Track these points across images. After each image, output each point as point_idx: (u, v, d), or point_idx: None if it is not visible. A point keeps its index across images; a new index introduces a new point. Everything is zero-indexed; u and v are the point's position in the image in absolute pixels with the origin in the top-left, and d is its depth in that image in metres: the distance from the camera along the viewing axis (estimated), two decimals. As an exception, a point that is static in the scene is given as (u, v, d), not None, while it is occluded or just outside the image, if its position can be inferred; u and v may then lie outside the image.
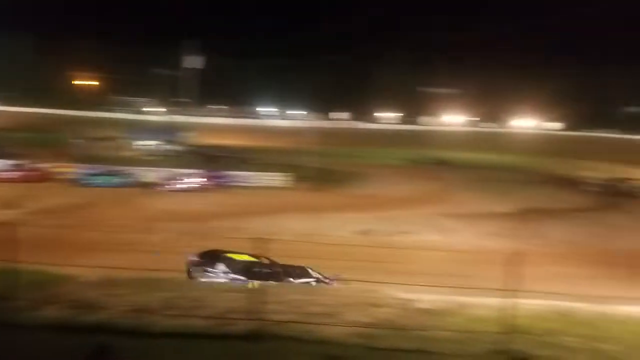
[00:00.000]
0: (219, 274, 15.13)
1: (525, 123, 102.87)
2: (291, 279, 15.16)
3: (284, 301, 10.06)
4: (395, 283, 11.18)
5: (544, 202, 36.13)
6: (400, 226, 27.63)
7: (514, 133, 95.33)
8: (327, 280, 16.00)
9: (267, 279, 13.62)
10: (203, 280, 14.63)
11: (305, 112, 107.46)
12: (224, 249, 16.34)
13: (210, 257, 15.95)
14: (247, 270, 15.00)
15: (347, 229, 26.33)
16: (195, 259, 15.91)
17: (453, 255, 19.54)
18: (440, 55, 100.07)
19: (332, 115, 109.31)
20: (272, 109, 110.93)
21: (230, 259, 15.79)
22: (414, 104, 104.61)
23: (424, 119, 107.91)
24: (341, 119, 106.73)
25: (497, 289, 9.14)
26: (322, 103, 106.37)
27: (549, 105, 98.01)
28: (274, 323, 8.96)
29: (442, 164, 57.07)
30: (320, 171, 42.74)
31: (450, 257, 19.09)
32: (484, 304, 10.36)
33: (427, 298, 11.00)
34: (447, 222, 29.27)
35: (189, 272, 15.35)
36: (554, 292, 10.74)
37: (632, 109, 51.94)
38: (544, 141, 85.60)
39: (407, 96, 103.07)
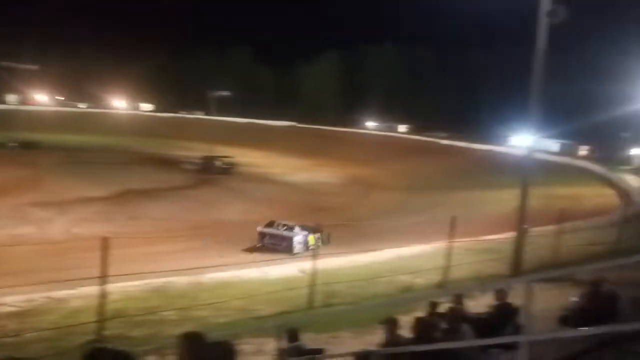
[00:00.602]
0: None
1: (119, 104, 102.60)
2: None
3: None
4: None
5: (141, 183, 36.62)
6: (-19, 221, 23.86)
7: (107, 114, 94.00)
8: None
9: None
10: None
11: None
12: None
13: None
14: None
15: None
16: None
17: (46, 247, 18.05)
18: (23, 29, 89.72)
19: None
20: None
21: None
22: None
23: (4, 96, 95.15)
24: None
25: (92, 277, 8.87)
26: None
27: (141, 87, 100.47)
28: None
29: (30, 147, 51.91)
30: None
31: (43, 250, 17.57)
32: (81, 294, 9.91)
33: (15, 299, 9.82)
34: (39, 212, 26.69)
35: None
36: (148, 271, 11.07)
37: (219, 93, 59.27)
38: (138, 122, 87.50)
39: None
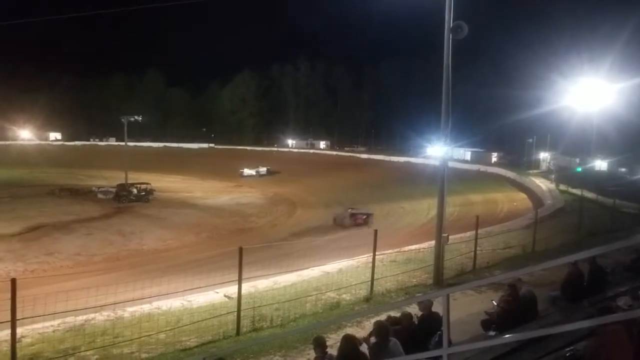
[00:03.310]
0: None
1: (24, 135, 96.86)
2: None
3: None
4: None
5: (55, 217, 34.85)
6: None
7: (11, 146, 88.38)
8: None
9: None
10: None
11: None
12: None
13: None
14: None
15: None
16: None
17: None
18: None
19: None
20: None
21: None
22: None
23: None
24: None
25: (1, 322, 8.24)
26: None
27: (48, 117, 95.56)
28: None
29: None
30: None
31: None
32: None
33: None
34: (-63, 256, 24.57)
35: None
36: (63, 310, 10.41)
37: (131, 118, 57.44)
38: (47, 153, 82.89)
39: None
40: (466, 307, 9.60)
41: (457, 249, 15.53)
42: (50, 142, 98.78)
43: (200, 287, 13.05)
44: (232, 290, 11.26)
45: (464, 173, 53.85)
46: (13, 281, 7.82)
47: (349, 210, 34.94)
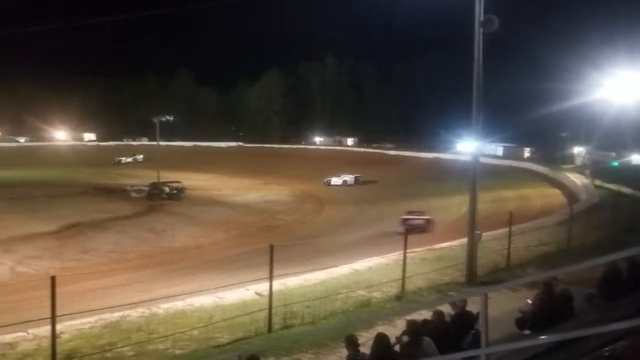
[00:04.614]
0: None
1: (60, 136, 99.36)
2: None
3: None
4: None
5: (90, 215, 35.59)
6: None
7: (49, 147, 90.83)
8: None
9: None
10: None
11: None
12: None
13: None
14: None
15: None
16: None
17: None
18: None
19: None
20: None
21: None
22: None
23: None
24: None
25: (42, 318, 8.48)
26: None
27: (83, 117, 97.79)
28: None
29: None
30: None
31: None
32: (31, 336, 9.40)
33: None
34: (-19, 253, 25.39)
35: None
36: (100, 307, 10.65)
37: (162, 118, 58.81)
38: (82, 153, 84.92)
39: None
40: (500, 305, 9.44)
41: (489, 247, 15.31)
42: (85, 143, 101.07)
43: (231, 285, 13.18)
44: (263, 287, 11.35)
45: (496, 169, 53.03)
46: (53, 279, 8.00)
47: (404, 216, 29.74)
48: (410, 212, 30.36)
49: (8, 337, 9.73)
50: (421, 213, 30.49)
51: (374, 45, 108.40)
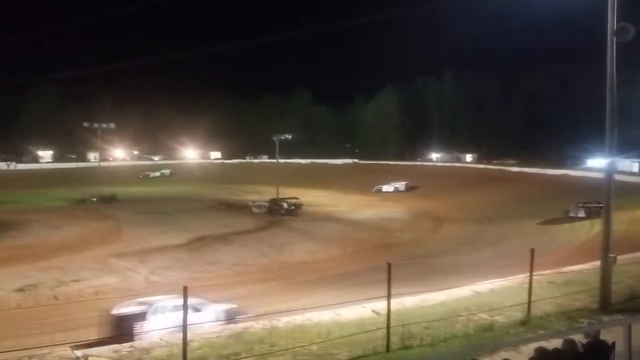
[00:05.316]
0: None
1: (190, 154, 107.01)
2: None
3: None
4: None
5: (215, 229, 37.86)
6: (70, 274, 25.00)
7: (179, 164, 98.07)
8: None
9: None
10: None
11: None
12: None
13: None
14: None
15: (5, 287, 22.37)
16: None
17: (128, 297, 18.71)
18: (96, 89, 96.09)
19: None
20: None
21: None
22: (70, 141, 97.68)
23: (83, 155, 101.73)
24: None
25: (173, 327, 9.10)
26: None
27: (209, 137, 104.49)
28: None
29: (110, 201, 54.91)
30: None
31: (125, 300, 18.21)
32: (166, 343, 10.13)
33: (102, 350, 10.15)
34: (120, 262, 27.89)
35: None
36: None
37: (281, 136, 61.97)
38: (208, 170, 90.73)
39: (63, 132, 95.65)
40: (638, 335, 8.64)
41: (625, 271, 14.03)
42: (211, 161, 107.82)
43: (348, 302, 13.26)
44: (380, 305, 11.29)
45: (632, 187, 48.51)
46: (185, 289, 8.57)
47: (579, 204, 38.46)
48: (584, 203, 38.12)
49: (144, 343, 10.57)
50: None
51: (494, 58, 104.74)
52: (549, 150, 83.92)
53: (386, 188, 67.09)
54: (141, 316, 13.96)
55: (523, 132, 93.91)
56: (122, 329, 13.18)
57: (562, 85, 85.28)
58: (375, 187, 67.78)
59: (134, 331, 13.00)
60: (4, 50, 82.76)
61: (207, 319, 13.32)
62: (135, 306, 14.55)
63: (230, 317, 14.33)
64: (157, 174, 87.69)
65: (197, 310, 13.88)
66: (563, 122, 78.49)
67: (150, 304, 14.51)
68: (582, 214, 37.73)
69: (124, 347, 10.27)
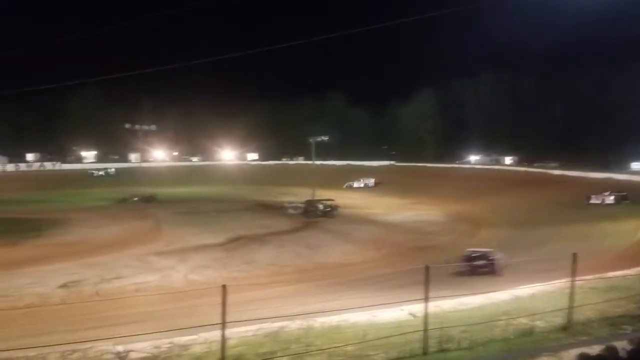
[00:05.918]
0: None
1: (228, 156, 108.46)
2: None
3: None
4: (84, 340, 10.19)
5: (252, 229, 38.28)
6: (111, 271, 25.66)
7: (217, 166, 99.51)
8: None
9: None
10: None
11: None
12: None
13: None
14: None
15: (49, 283, 23.29)
16: None
17: (167, 294, 19.18)
18: (137, 91, 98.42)
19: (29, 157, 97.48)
20: None
21: None
22: (112, 142, 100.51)
23: (125, 156, 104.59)
24: (34, 161, 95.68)
25: (212, 324, 9.26)
26: (14, 144, 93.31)
27: (247, 138, 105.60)
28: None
29: (151, 201, 56.20)
30: (4, 221, 37.38)
31: (165, 297, 18.68)
32: (201, 340, 10.33)
33: (143, 346, 10.42)
34: (160, 261, 28.51)
35: None
36: (261, 316, 11.34)
37: (317, 138, 62.55)
38: (246, 172, 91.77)
39: (105, 134, 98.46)
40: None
41: (672, 278, 13.61)
42: (248, 162, 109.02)
43: (384, 304, 13.25)
44: (416, 308, 11.24)
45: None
46: (224, 287, 8.72)
47: None
48: None
49: (183, 340, 10.81)
50: None
51: (535, 59, 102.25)
52: (589, 153, 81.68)
53: (357, 184, 74.52)
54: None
55: (563, 135, 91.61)
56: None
57: (603, 85, 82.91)
58: (347, 184, 73.83)
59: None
60: (49, 53, 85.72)
61: None
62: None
63: None
64: (102, 172, 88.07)
65: None
66: (603, 123, 76.23)
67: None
68: (610, 200, 42.96)
69: (164, 343, 10.54)
